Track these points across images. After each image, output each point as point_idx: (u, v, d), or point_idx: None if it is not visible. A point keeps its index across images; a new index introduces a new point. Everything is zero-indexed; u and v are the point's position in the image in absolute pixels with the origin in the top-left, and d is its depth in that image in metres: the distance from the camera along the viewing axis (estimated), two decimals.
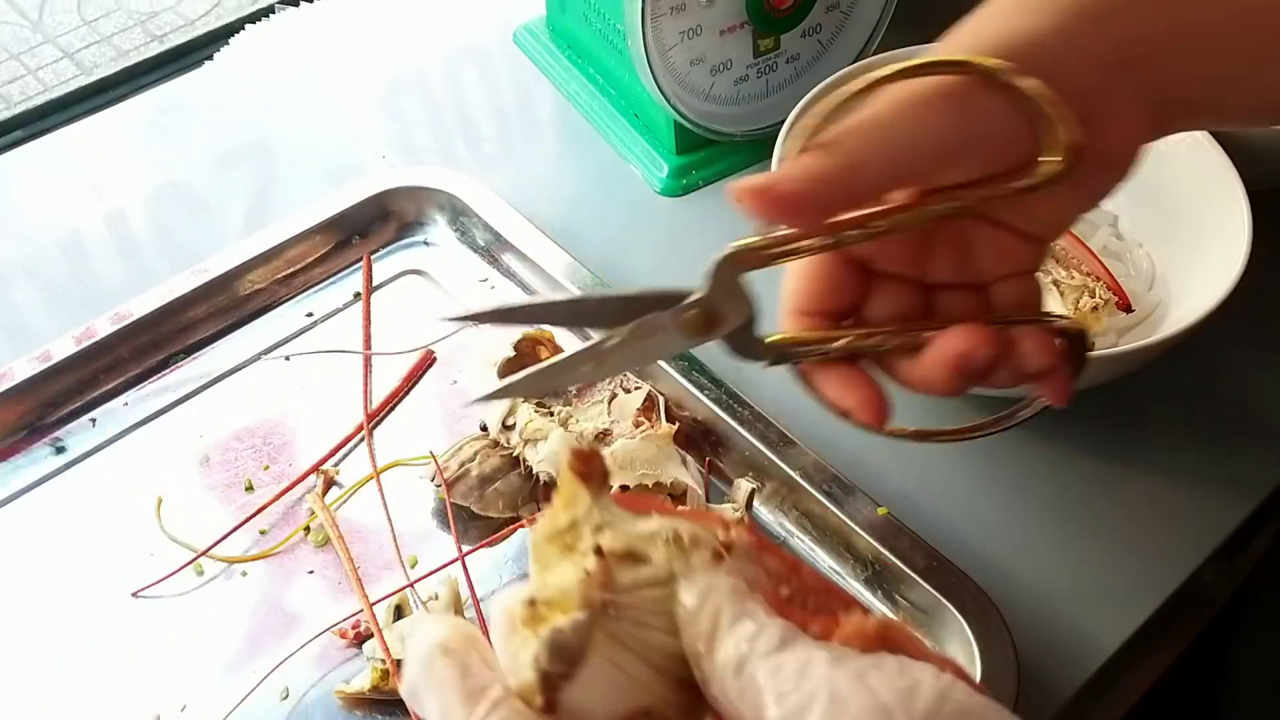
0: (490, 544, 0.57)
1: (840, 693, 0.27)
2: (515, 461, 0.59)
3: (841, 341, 0.40)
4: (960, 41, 0.39)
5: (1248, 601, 0.62)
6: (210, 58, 0.88)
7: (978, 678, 0.50)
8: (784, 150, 0.38)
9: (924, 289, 0.41)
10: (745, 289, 0.40)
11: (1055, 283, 0.56)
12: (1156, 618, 0.56)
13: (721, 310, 0.40)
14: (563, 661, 0.29)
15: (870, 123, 0.37)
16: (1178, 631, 0.59)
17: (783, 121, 0.65)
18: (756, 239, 0.39)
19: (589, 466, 0.32)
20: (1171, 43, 0.40)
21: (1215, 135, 0.62)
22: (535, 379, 0.41)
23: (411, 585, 0.55)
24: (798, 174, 0.37)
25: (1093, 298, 0.55)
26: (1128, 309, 0.58)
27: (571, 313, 0.43)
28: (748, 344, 0.41)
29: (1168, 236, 0.64)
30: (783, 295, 0.42)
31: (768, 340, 0.40)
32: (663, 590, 0.30)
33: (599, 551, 0.30)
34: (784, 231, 0.39)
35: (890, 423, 0.40)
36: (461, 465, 0.59)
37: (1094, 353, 0.54)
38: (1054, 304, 0.55)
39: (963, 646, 0.52)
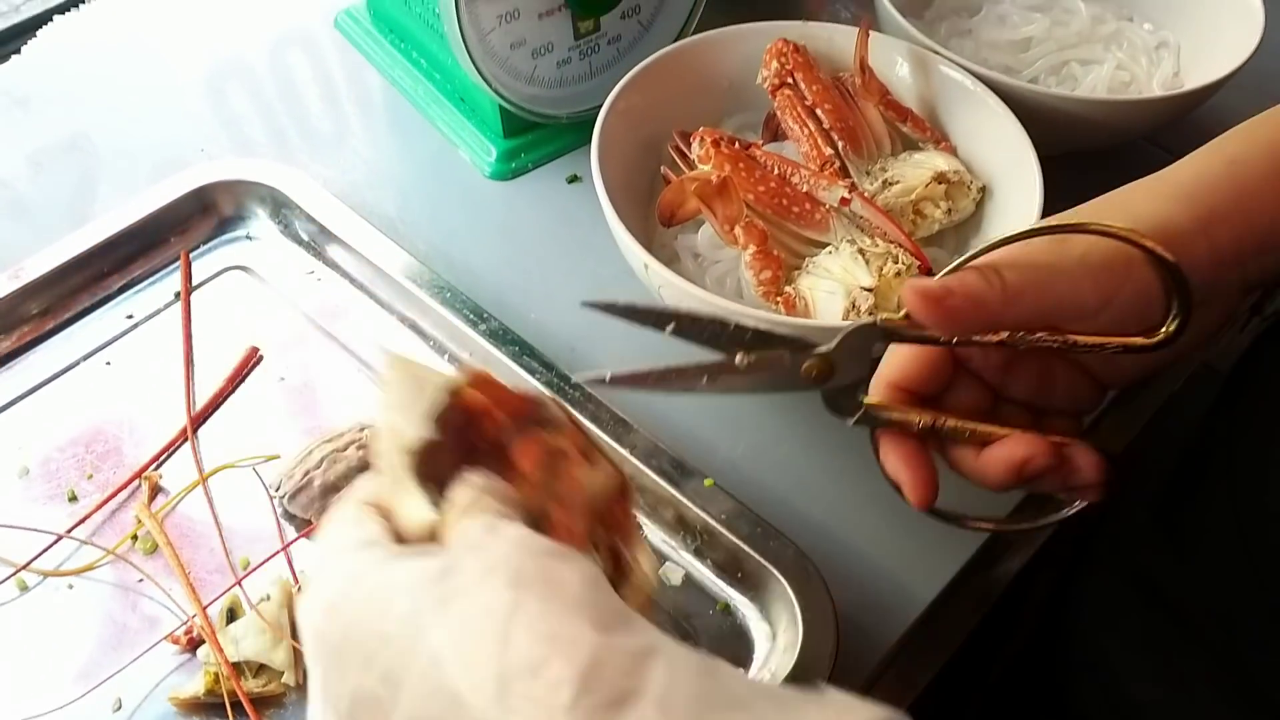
0: (312, 532, 0.57)
1: None
2: (364, 468, 0.59)
3: (923, 421, 0.44)
4: (1106, 214, 0.44)
5: (1066, 540, 0.66)
6: (18, 51, 0.85)
7: (799, 635, 0.52)
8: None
9: (995, 398, 0.47)
10: (871, 356, 0.44)
11: (860, 251, 0.59)
12: (971, 566, 0.60)
13: (841, 367, 0.44)
14: None
15: (1031, 266, 0.43)
16: (993, 579, 0.63)
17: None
18: (898, 317, 0.43)
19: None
20: (1277, 237, 0.45)
21: (1009, 103, 0.66)
22: (657, 379, 0.44)
23: (239, 583, 0.55)
24: (963, 291, 0.42)
25: (896, 264, 0.58)
26: (929, 272, 0.60)
27: (710, 332, 0.44)
28: (843, 401, 0.45)
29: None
30: (883, 366, 0.46)
31: (865, 401, 0.45)
32: None
33: None
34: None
35: (933, 504, 0.45)
36: (306, 474, 0.58)
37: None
38: (859, 273, 0.57)
39: (785, 606, 0.54)
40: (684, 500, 0.58)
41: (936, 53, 0.69)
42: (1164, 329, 0.43)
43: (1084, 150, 0.72)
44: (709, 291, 0.58)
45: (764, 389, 0.45)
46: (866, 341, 0.44)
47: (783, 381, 0.45)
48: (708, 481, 0.58)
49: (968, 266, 0.43)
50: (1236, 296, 0.46)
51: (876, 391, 0.45)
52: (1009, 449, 0.44)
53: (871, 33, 0.71)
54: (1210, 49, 0.75)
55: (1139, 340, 0.44)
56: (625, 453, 0.59)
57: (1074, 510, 0.47)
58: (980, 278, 0.42)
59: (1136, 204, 0.46)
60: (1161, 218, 0.44)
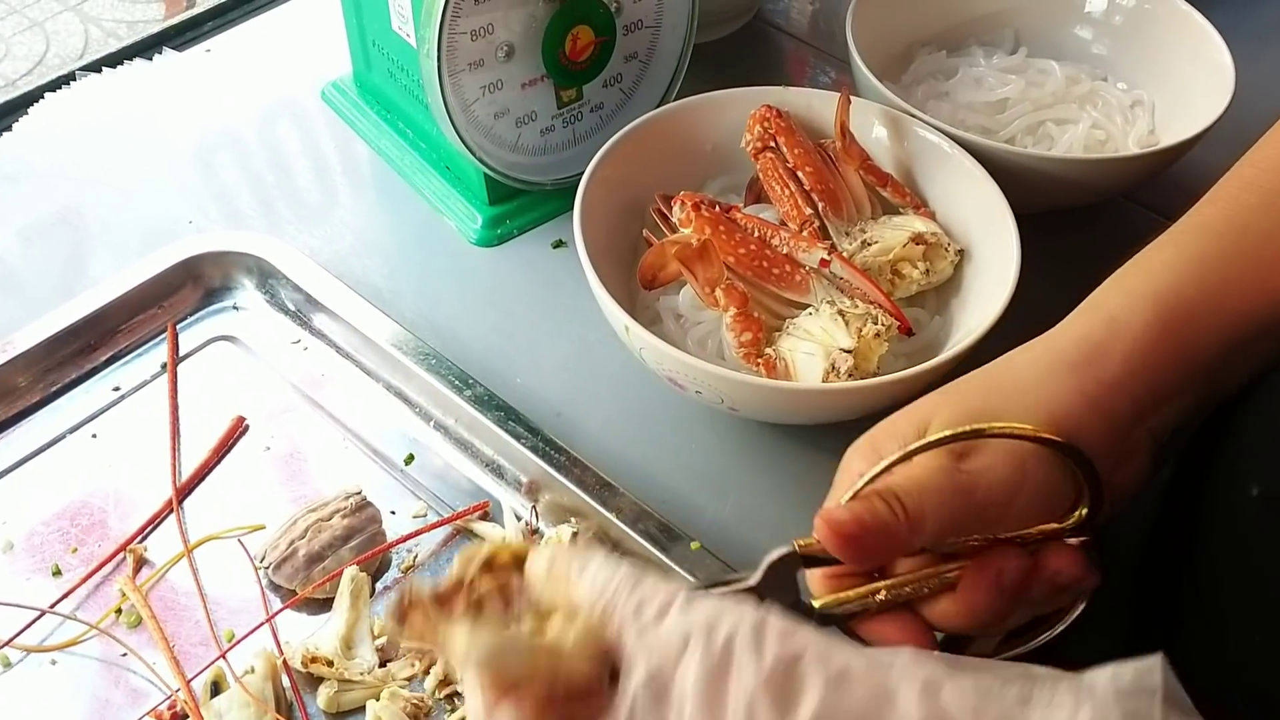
0: (296, 603, 0.57)
1: None
2: (348, 537, 0.59)
3: (881, 595, 0.43)
4: (994, 397, 0.43)
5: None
6: (9, 128, 0.86)
7: None
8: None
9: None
10: (796, 582, 0.42)
11: (840, 312, 0.59)
12: None
13: (768, 598, 0.42)
14: None
15: (924, 490, 0.41)
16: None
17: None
18: (815, 542, 0.41)
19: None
20: (1179, 384, 0.45)
21: (986, 164, 0.66)
22: None
23: (223, 656, 0.55)
24: (874, 526, 0.40)
25: (875, 324, 0.58)
26: (909, 333, 0.61)
27: None
28: (791, 613, 0.42)
29: None
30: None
31: (816, 605, 0.43)
32: None
33: None
34: None
35: None
36: (291, 544, 0.58)
37: (881, 378, 0.57)
38: (839, 334, 0.58)
39: None
40: (671, 565, 0.57)
41: (913, 116, 0.70)
42: (1076, 514, 0.43)
43: (1062, 208, 0.73)
44: (690, 354, 0.58)
45: None
46: (790, 570, 0.42)
47: None
48: (694, 545, 0.58)
49: (873, 493, 0.41)
50: (1148, 447, 0.45)
51: (818, 588, 0.44)
52: (978, 567, 0.42)
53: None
54: (1184, 106, 0.76)
55: (1054, 526, 0.43)
56: (611, 516, 0.59)
57: (1069, 622, 0.45)
58: (887, 509, 0.41)
59: (1024, 381, 0.45)
60: (1049, 398, 0.44)
